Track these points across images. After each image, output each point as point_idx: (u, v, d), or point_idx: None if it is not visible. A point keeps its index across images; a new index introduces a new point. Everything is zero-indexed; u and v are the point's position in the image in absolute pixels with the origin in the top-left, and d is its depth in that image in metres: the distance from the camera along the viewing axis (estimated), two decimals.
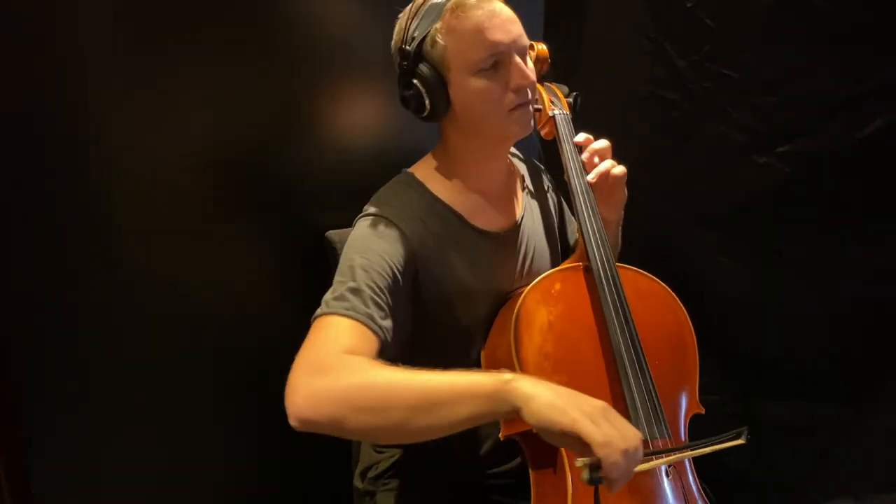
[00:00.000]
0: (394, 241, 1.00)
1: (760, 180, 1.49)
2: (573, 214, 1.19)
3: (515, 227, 1.16)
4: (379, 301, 0.92)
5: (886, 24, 1.33)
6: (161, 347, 1.15)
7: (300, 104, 1.30)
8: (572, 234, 1.34)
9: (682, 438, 1.05)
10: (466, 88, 1.02)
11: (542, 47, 1.23)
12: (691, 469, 1.04)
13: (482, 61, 1.00)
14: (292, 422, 0.81)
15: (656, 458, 0.92)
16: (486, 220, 1.12)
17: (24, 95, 0.96)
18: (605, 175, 1.12)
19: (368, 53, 1.31)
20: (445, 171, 1.11)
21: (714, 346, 1.53)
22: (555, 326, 1.01)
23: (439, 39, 1.00)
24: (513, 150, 1.24)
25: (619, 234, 1.28)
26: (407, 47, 1.01)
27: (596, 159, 1.14)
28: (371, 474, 1.22)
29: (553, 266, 1.19)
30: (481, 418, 0.78)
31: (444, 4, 1.00)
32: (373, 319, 0.90)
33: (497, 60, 1.01)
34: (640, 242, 1.35)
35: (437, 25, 1.00)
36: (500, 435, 0.96)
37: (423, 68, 1.01)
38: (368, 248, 0.98)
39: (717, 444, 0.89)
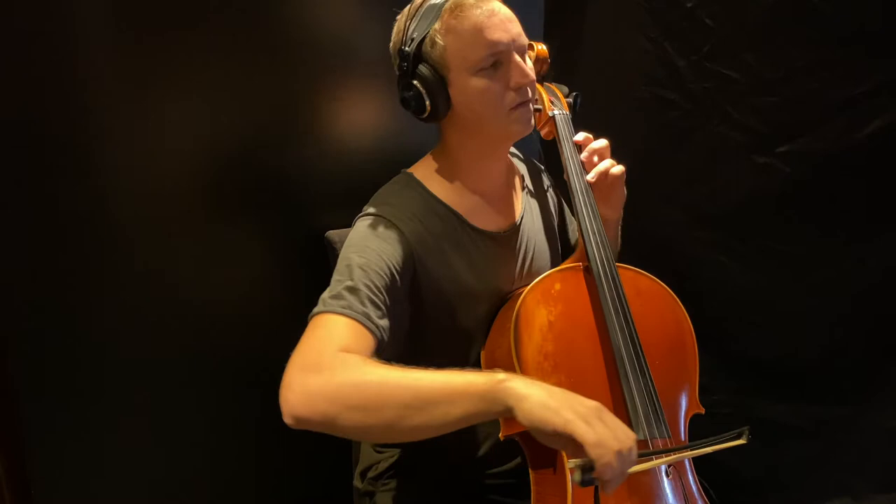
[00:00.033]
0: (392, 241, 1.00)
1: (760, 180, 1.49)
2: (573, 214, 1.19)
3: (515, 228, 1.16)
4: (376, 300, 0.92)
5: (886, 25, 1.33)
6: (161, 347, 1.15)
7: (300, 104, 1.30)
8: (573, 234, 1.34)
9: (682, 438, 1.05)
10: (467, 88, 1.02)
11: (541, 47, 1.23)
12: (691, 469, 1.04)
13: (482, 60, 1.00)
14: (286, 419, 0.81)
15: (656, 458, 0.92)
16: (486, 220, 1.12)
17: (24, 96, 0.96)
18: (605, 174, 1.12)
19: (368, 54, 1.31)
20: (445, 171, 1.12)
21: (714, 346, 1.54)
22: (555, 326, 1.01)
23: (438, 40, 1.00)
24: (512, 149, 1.24)
25: (619, 233, 1.28)
26: (406, 48, 1.01)
27: (595, 158, 1.14)
28: (371, 474, 1.22)
29: (553, 266, 1.19)
30: (474, 418, 0.77)
31: (442, 5, 1.00)
32: (369, 318, 0.90)
33: (497, 60, 1.01)
34: (639, 242, 1.35)
35: (436, 26, 1.00)
36: (500, 435, 0.96)
37: (423, 69, 1.01)
38: (367, 247, 0.98)
39: (717, 444, 0.89)
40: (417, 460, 1.18)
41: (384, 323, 0.92)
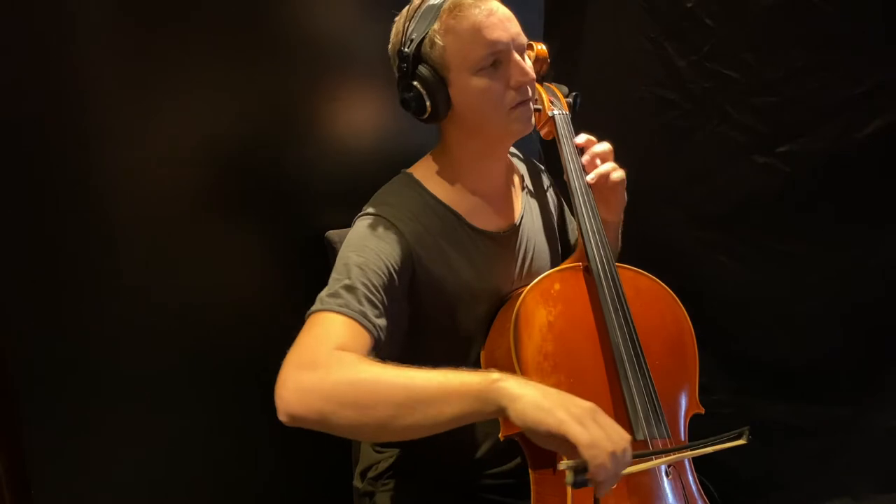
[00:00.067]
0: (391, 241, 1.00)
1: (760, 180, 1.49)
2: (573, 214, 1.19)
3: (515, 228, 1.16)
4: (373, 299, 0.92)
5: (886, 25, 1.33)
6: (161, 347, 1.15)
7: (300, 104, 1.30)
8: (572, 234, 1.34)
9: (682, 438, 1.05)
10: (467, 88, 1.02)
11: (541, 47, 1.23)
12: (691, 469, 1.03)
13: (482, 60, 1.00)
14: (281, 416, 0.81)
15: (655, 458, 0.92)
16: (486, 220, 1.12)
17: (24, 96, 0.96)
18: (605, 177, 1.12)
19: (368, 54, 1.31)
20: (445, 171, 1.12)
21: (714, 346, 1.54)
22: (554, 326, 1.01)
23: (438, 40, 1.00)
24: (512, 149, 1.24)
25: (620, 236, 1.28)
26: (405, 49, 1.01)
27: (598, 161, 1.14)
28: (371, 474, 1.22)
29: (553, 266, 1.19)
30: (468, 418, 0.77)
31: (441, 5, 1.00)
32: (366, 317, 0.90)
33: (497, 59, 1.01)
34: (639, 242, 1.35)
35: (435, 26, 1.00)
36: (499, 435, 0.96)
37: (423, 70, 1.01)
38: (365, 246, 0.98)
39: (717, 444, 0.89)
40: (417, 460, 1.18)
41: (381, 322, 0.92)
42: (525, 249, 1.17)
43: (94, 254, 1.06)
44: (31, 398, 1.02)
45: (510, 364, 0.97)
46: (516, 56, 1.02)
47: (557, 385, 0.82)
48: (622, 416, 0.96)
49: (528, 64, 1.04)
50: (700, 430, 1.02)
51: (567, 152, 1.15)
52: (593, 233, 1.08)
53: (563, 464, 0.73)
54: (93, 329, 1.07)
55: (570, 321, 1.03)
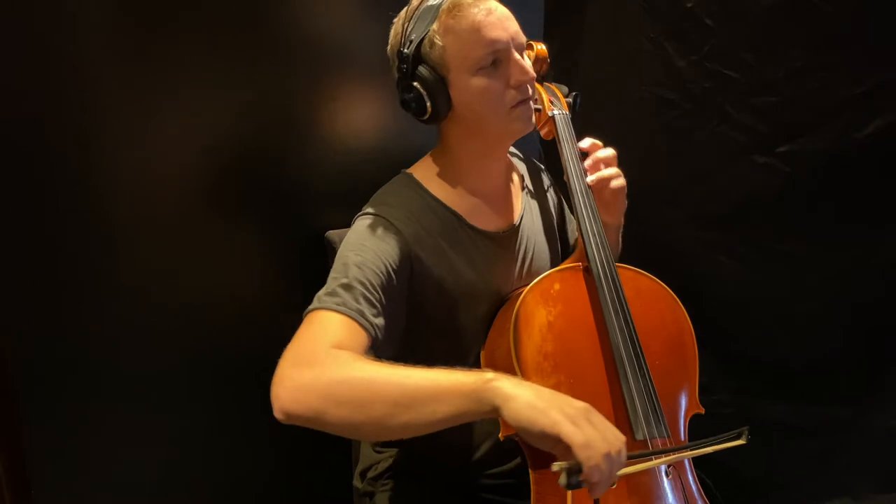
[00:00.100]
0: (390, 241, 1.00)
1: (760, 180, 1.49)
2: (573, 214, 1.19)
3: (514, 228, 1.16)
4: (371, 298, 0.92)
5: (887, 25, 1.33)
6: (161, 347, 1.15)
7: (300, 104, 1.30)
8: (572, 234, 1.34)
9: (682, 438, 1.05)
10: (467, 88, 1.02)
11: (541, 47, 1.23)
12: (691, 469, 1.03)
13: (482, 59, 1.00)
14: (276, 414, 0.81)
15: (655, 459, 0.92)
16: (485, 220, 1.12)
17: (25, 96, 0.96)
18: (606, 182, 1.12)
19: (368, 54, 1.31)
20: (444, 171, 1.11)
21: (714, 346, 1.54)
22: (554, 327, 1.01)
23: (437, 40, 1.00)
24: (512, 149, 1.24)
25: (620, 239, 1.28)
26: (405, 50, 1.01)
27: (601, 166, 1.14)
28: (371, 474, 1.22)
29: (553, 266, 1.19)
30: (462, 417, 0.77)
31: (439, 5, 1.00)
32: (363, 316, 0.90)
33: (496, 58, 1.01)
34: (639, 242, 1.35)
35: (435, 27, 1.00)
36: (499, 435, 0.96)
37: (423, 70, 1.01)
38: (364, 246, 0.98)
39: (717, 444, 0.89)
40: (417, 461, 1.18)
41: (379, 321, 0.92)
42: (525, 249, 1.17)
43: (94, 254, 1.06)
44: (31, 398, 1.02)
45: (510, 364, 0.97)
46: (516, 55, 1.02)
47: (557, 385, 0.82)
48: (622, 416, 0.96)
49: (527, 63, 1.04)
50: (700, 430, 1.02)
51: (567, 152, 1.15)
52: (593, 233, 1.08)
53: (557, 465, 0.73)
54: (93, 329, 1.07)
55: (570, 321, 1.03)
